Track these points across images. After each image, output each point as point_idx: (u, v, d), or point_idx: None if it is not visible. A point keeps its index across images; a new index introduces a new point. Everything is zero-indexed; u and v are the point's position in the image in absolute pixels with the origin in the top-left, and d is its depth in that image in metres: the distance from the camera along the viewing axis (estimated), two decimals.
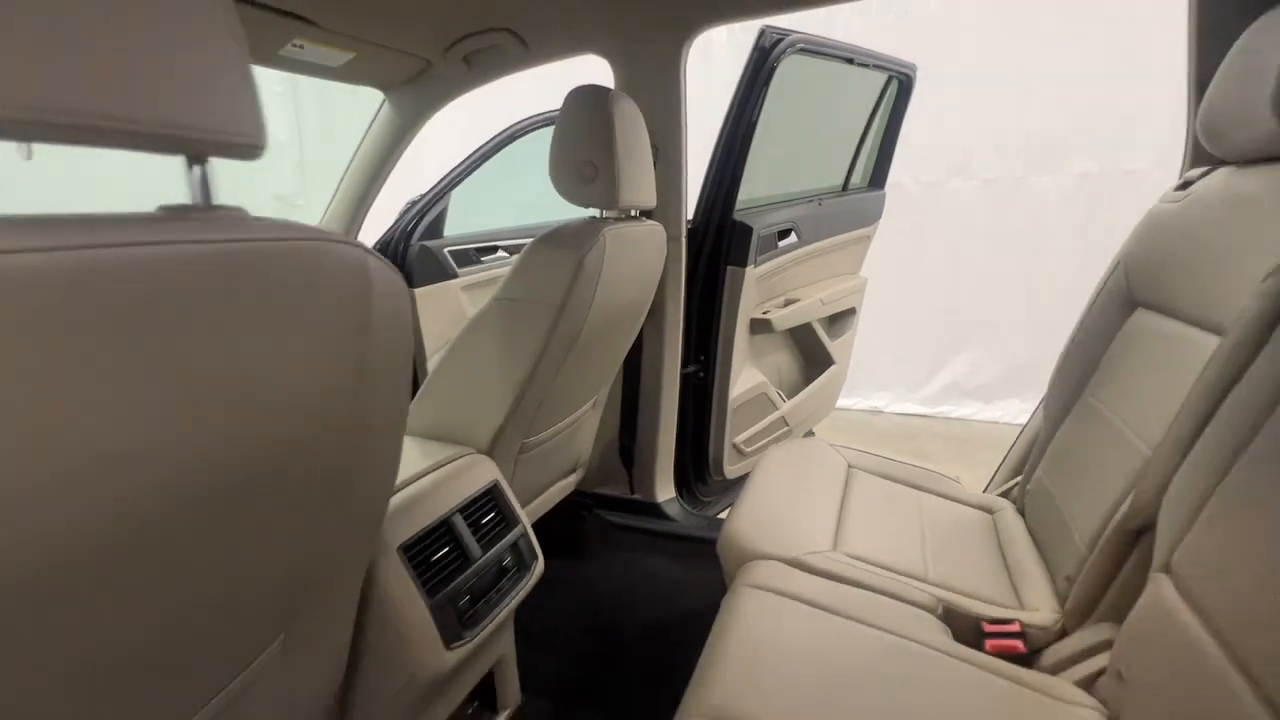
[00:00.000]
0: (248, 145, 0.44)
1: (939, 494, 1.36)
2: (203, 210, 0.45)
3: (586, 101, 1.18)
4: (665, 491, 1.87)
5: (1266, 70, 0.79)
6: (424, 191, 2.41)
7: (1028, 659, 0.92)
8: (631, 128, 1.23)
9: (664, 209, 1.57)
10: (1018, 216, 3.37)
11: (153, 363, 0.39)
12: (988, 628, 0.93)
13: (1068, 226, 3.25)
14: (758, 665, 0.80)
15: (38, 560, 0.38)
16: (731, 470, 2.01)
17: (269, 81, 3.48)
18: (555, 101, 1.26)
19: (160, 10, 0.39)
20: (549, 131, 2.38)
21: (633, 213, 1.38)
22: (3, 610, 0.37)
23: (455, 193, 2.42)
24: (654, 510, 1.84)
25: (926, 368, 3.74)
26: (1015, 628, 0.92)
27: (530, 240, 1.18)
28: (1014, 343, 3.45)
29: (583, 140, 1.18)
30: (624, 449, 1.84)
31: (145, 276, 0.38)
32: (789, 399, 2.20)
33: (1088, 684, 0.83)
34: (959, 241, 3.49)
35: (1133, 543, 0.86)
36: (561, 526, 1.50)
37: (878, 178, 2.39)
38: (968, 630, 0.94)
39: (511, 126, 2.37)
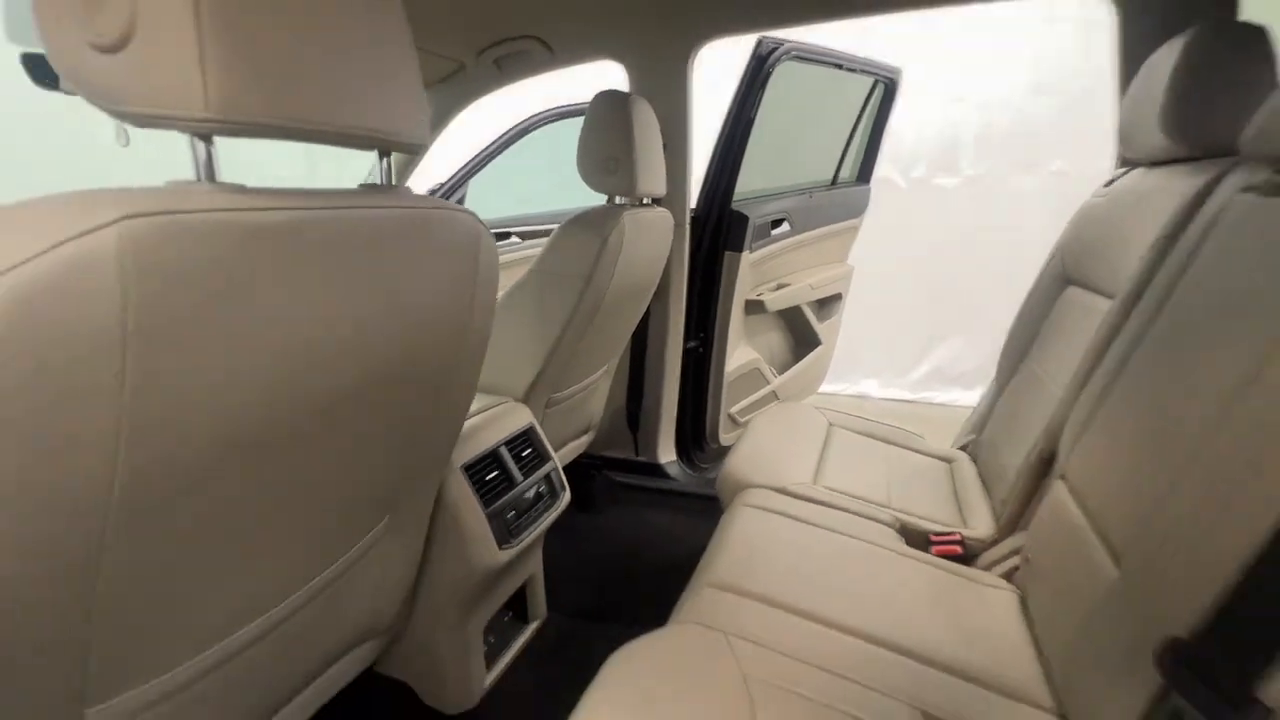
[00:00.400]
0: (418, 144, 0.64)
1: (907, 447, 1.58)
2: (387, 187, 0.65)
3: (610, 104, 1.37)
4: (667, 454, 2.08)
5: (1161, 90, 1.00)
6: (443, 180, 2.59)
7: (966, 561, 1.13)
8: (647, 126, 1.42)
9: (671, 198, 1.76)
10: (998, 212, 3.58)
11: (357, 283, 0.60)
12: (934, 537, 1.15)
13: (1043, 222, 3.45)
14: (751, 556, 1.01)
15: (275, 417, 0.58)
16: (726, 438, 2.19)
17: None
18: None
19: (369, 44, 0.59)
20: (557, 125, 2.55)
21: (645, 200, 1.57)
22: (253, 450, 0.56)
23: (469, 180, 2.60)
24: (657, 470, 2.04)
25: (912, 355, 3.92)
26: (956, 537, 1.14)
27: (552, 225, 1.37)
28: (993, 331, 3.63)
29: (607, 137, 1.38)
30: (630, 415, 2.04)
31: (354, 227, 0.59)
32: (779, 375, 2.39)
33: (1009, 576, 1.05)
34: (943, 235, 3.69)
35: (1048, 468, 1.08)
36: (574, 486, 1.70)
37: (864, 173, 2.57)
38: (918, 540, 1.16)
39: (528, 119, 2.54)
